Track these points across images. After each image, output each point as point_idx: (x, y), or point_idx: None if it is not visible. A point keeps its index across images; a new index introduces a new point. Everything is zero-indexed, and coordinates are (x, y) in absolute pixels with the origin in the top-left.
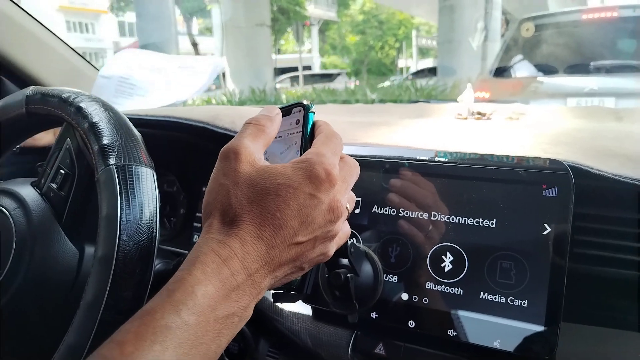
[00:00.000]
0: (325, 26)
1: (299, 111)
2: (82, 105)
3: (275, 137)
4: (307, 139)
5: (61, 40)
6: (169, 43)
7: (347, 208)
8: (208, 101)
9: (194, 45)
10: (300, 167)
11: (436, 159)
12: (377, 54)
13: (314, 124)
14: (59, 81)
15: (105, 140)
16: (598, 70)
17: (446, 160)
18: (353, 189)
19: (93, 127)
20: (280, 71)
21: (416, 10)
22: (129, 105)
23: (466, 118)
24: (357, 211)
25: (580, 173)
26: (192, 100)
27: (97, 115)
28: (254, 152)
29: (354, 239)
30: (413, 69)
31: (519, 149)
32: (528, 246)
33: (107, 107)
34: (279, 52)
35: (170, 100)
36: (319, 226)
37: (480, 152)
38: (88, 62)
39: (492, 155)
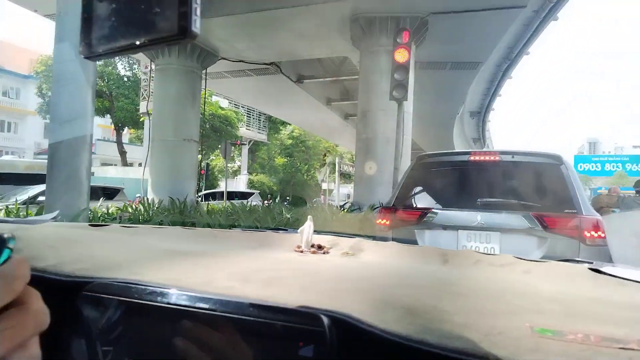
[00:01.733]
0: (255, 146)
1: None
2: None
3: None
4: None
5: None
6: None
7: None
8: (124, 208)
9: (122, 153)
10: None
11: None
12: (303, 176)
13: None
14: None
15: None
16: (484, 206)
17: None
18: None
19: None
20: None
21: (339, 140)
22: None
23: (302, 251)
24: None
25: (350, 326)
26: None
27: None
28: None
29: None
30: (335, 193)
31: (311, 296)
32: None
33: None
34: (207, 167)
35: None
36: None
37: (246, 297)
38: None
39: (252, 305)
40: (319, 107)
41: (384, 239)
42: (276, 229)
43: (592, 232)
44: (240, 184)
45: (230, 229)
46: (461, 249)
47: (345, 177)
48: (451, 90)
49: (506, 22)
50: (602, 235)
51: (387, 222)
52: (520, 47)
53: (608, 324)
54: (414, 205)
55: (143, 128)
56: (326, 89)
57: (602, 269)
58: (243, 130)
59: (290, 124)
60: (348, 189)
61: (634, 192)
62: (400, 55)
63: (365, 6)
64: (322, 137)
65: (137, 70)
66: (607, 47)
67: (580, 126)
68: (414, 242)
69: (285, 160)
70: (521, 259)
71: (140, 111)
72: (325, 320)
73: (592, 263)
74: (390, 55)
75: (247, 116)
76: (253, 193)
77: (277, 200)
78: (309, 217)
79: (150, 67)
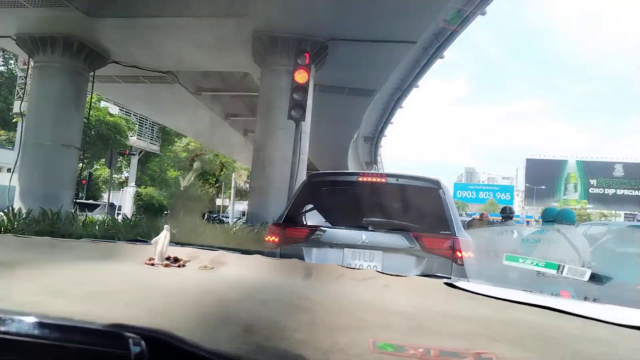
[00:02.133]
0: (146, 158)
1: None
2: None
3: None
4: None
5: None
6: None
7: None
8: None
9: None
10: None
11: None
12: (197, 191)
13: None
14: None
15: None
16: (369, 226)
17: None
18: None
19: None
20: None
21: (238, 156)
22: None
23: (153, 264)
24: None
25: (168, 347)
26: None
27: None
28: None
29: None
30: (230, 209)
31: (132, 313)
32: None
33: None
34: (90, 176)
35: None
36: None
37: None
38: None
39: None
40: (218, 121)
41: (249, 253)
42: (133, 241)
43: (463, 253)
44: (127, 196)
45: (79, 239)
46: (328, 265)
47: (241, 193)
48: (348, 115)
49: (399, 55)
50: (472, 255)
51: (276, 239)
52: (411, 80)
53: (451, 338)
54: (304, 223)
55: (15, 130)
56: (226, 103)
57: (456, 284)
58: (134, 140)
59: (186, 137)
60: (244, 205)
61: (501, 217)
62: (300, 76)
63: (268, 25)
64: (220, 152)
65: (13, 66)
66: (487, 85)
67: (460, 157)
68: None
69: (179, 173)
70: (384, 273)
71: (14, 111)
72: (132, 341)
73: (449, 278)
74: (290, 75)
75: (139, 125)
76: (99, 205)
77: (166, 214)
78: (165, 226)
79: (29, 64)
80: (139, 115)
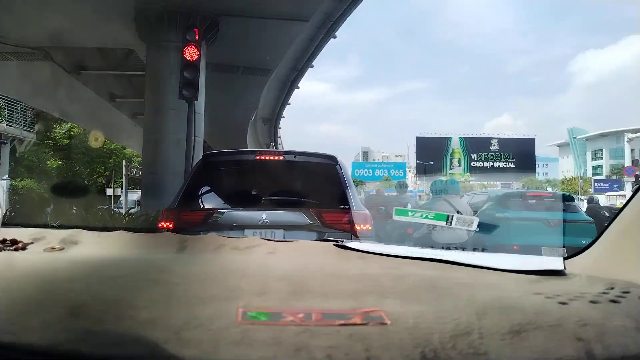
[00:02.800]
0: (20, 146)
1: None
2: None
3: None
4: None
5: None
6: None
7: None
8: None
9: None
10: None
11: None
12: (83, 181)
13: None
14: None
15: None
16: (269, 205)
17: None
18: None
19: None
20: None
21: (127, 141)
22: None
23: None
24: None
25: None
26: None
27: None
28: None
29: None
30: (122, 199)
31: None
32: None
33: None
34: None
35: None
36: None
37: None
38: None
39: None
40: (103, 104)
41: (113, 229)
42: None
43: (362, 225)
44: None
45: None
46: (207, 235)
47: (135, 182)
48: (244, 95)
49: (293, 33)
50: (370, 227)
51: (170, 225)
52: (306, 60)
53: (338, 298)
54: (200, 206)
55: None
56: (111, 84)
57: (347, 244)
58: (3, 126)
59: (66, 122)
60: (138, 194)
61: (395, 192)
62: (190, 53)
63: None
64: (107, 137)
65: None
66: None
67: (356, 137)
68: None
69: (61, 163)
70: (269, 240)
71: None
72: None
73: (341, 241)
74: (179, 52)
75: (8, 110)
76: None
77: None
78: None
79: None
80: (7, 98)
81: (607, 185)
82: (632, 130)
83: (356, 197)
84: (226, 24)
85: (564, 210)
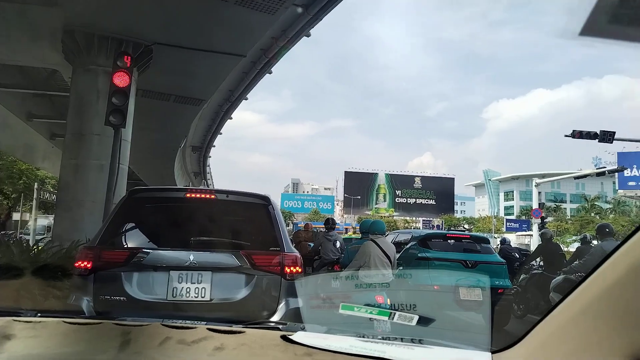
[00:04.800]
0: None
1: None
2: None
3: None
4: None
5: None
6: None
7: None
8: None
9: None
10: None
11: None
12: None
13: None
14: None
15: None
16: (198, 245)
17: None
18: None
19: None
20: None
21: (42, 163)
22: None
23: None
24: None
25: None
26: None
27: None
28: None
29: None
30: (31, 224)
31: None
32: None
33: None
34: None
35: None
36: None
37: None
38: None
39: None
40: (16, 122)
41: (52, 315)
42: None
43: (292, 268)
44: None
45: None
46: (151, 323)
47: (46, 206)
48: (174, 123)
49: (228, 66)
50: (300, 270)
51: (89, 265)
52: (240, 92)
53: None
54: (123, 245)
55: None
56: (28, 102)
57: (293, 338)
58: None
59: None
60: (49, 220)
61: (325, 228)
62: (120, 80)
63: (82, 20)
64: (20, 158)
65: None
66: (310, 102)
67: (286, 169)
68: (120, 288)
69: None
70: (215, 331)
71: None
72: None
73: (285, 324)
74: (108, 77)
75: None
76: None
77: None
78: None
79: None
80: None
81: (517, 225)
82: (539, 176)
83: (287, 238)
84: (160, 52)
85: (479, 252)
